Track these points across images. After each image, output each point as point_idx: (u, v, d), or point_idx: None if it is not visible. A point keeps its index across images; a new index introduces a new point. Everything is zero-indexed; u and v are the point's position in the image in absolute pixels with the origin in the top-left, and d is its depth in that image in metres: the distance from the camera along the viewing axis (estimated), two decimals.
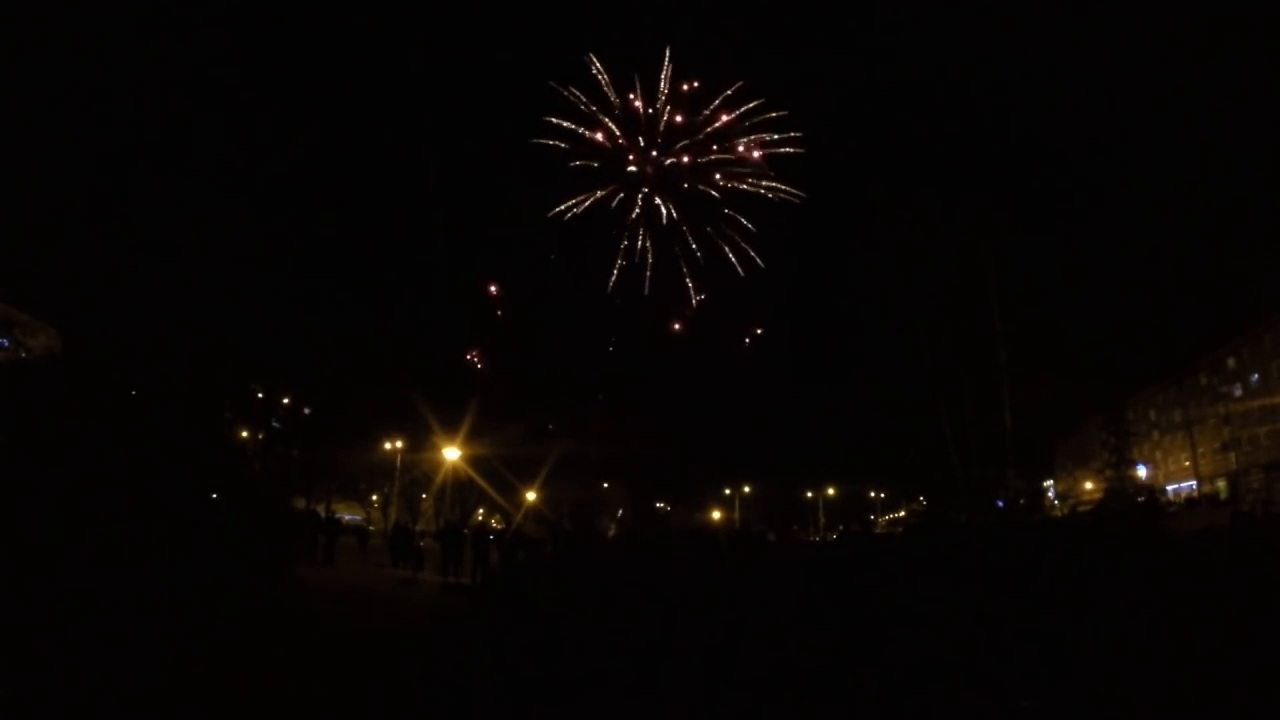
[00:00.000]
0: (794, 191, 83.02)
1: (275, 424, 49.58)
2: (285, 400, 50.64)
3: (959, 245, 26.92)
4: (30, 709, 4.55)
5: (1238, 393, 48.69)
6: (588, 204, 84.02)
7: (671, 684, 3.85)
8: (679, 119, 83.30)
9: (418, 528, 33.01)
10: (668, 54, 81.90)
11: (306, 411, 50.80)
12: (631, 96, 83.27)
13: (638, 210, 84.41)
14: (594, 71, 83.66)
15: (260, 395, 49.53)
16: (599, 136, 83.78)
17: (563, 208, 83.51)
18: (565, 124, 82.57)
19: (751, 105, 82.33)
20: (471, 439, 40.98)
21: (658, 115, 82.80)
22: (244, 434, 41.74)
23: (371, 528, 40.72)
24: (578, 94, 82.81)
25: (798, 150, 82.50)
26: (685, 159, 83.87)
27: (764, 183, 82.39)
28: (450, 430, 39.68)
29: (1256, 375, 47.39)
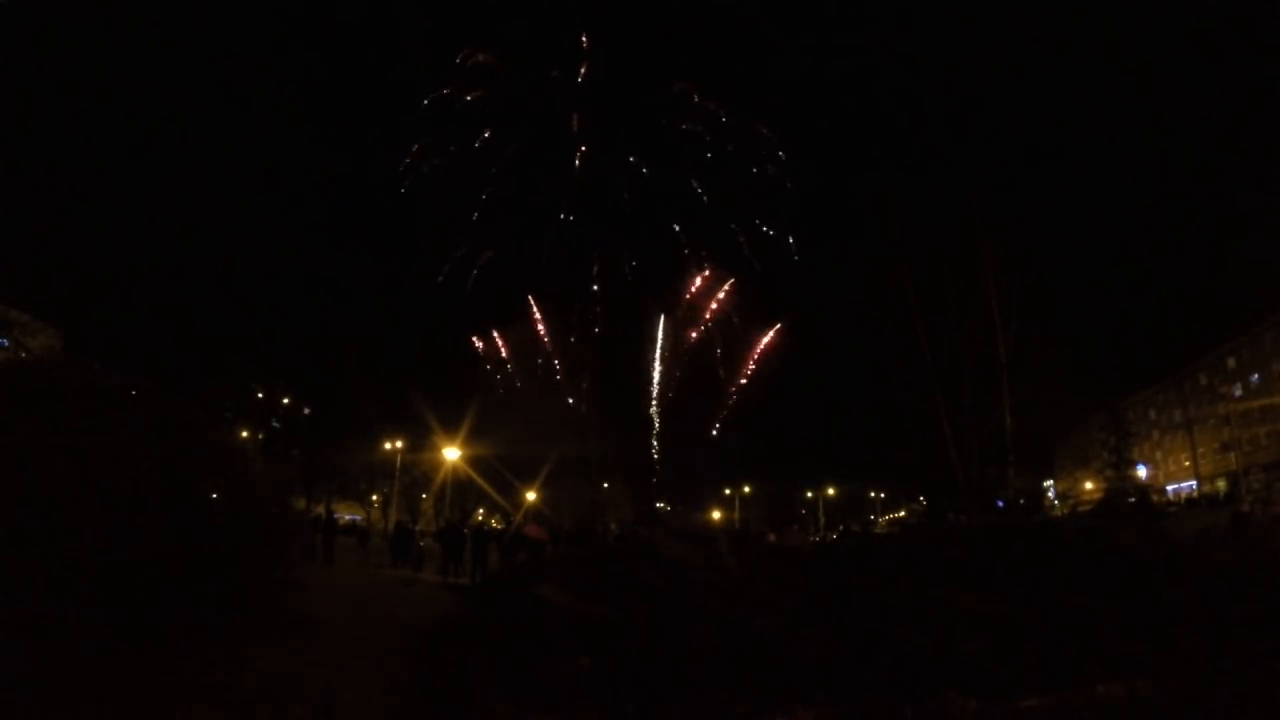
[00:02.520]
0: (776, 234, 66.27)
1: (275, 424, 49.64)
2: (285, 400, 50.72)
3: (959, 244, 26.93)
4: (31, 707, 4.55)
5: (1238, 393, 48.69)
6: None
7: (672, 684, 3.85)
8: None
9: (418, 528, 33.00)
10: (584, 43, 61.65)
11: (306, 411, 50.89)
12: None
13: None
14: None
15: (260, 395, 49.60)
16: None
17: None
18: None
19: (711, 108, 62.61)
20: (471, 439, 41.01)
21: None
22: (244, 434, 41.75)
23: (366, 525, 40.70)
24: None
25: (781, 176, 66.20)
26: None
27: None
28: (450, 430, 39.72)
29: (1256, 375, 47.39)
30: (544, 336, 61.61)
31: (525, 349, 60.96)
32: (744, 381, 65.52)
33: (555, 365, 61.93)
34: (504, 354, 59.47)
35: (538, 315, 60.75)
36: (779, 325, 63.37)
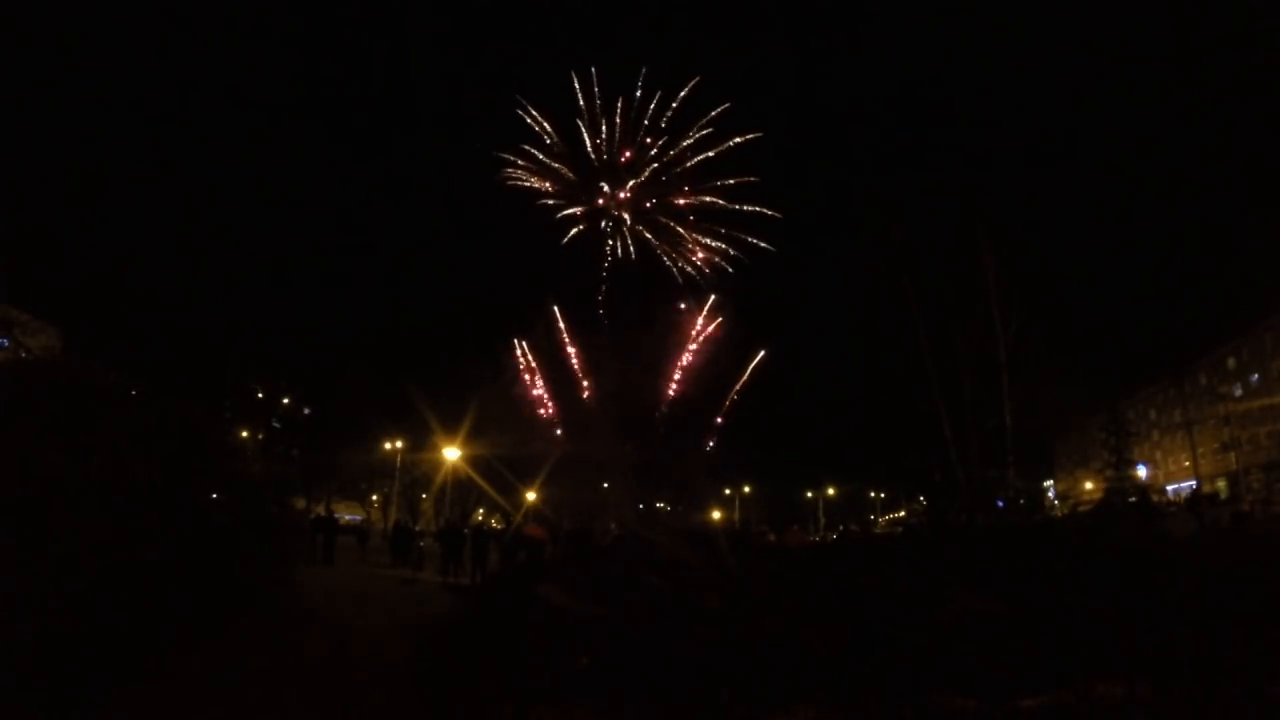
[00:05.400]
0: (760, 245, 71.26)
1: (275, 424, 49.69)
2: (285, 400, 50.78)
3: (959, 244, 26.96)
4: (29, 706, 4.56)
5: (1238, 393, 48.68)
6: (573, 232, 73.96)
7: (672, 684, 3.85)
8: (634, 152, 72.53)
9: (418, 528, 32.98)
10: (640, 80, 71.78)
11: (306, 411, 50.93)
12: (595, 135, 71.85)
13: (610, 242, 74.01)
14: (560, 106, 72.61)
15: (260, 395, 49.67)
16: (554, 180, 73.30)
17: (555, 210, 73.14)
18: (521, 164, 71.51)
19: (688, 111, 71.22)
20: (471, 439, 40.97)
21: (618, 149, 72.68)
22: (244, 434, 41.77)
23: (366, 525, 40.70)
24: (541, 124, 71.51)
25: (753, 135, 71.13)
26: (648, 199, 73.39)
27: (722, 246, 71.32)
28: (450, 430, 39.69)
29: (1256, 375, 47.38)
30: (563, 339, 64.85)
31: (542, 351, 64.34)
32: (741, 386, 67.24)
33: (573, 364, 65.25)
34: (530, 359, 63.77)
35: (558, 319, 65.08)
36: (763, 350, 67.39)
